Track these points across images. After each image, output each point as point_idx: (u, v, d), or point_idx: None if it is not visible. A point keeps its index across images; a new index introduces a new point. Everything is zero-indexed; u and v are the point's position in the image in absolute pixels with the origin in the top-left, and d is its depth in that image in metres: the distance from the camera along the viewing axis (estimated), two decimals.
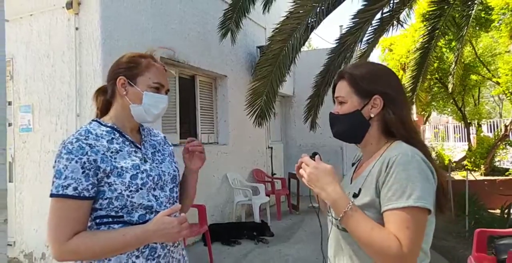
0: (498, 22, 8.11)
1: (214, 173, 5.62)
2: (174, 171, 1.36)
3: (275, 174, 7.72)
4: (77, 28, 3.77)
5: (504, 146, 8.79)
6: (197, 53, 5.23)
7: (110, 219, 1.17)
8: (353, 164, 1.34)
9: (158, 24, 4.48)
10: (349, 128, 1.19)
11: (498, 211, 6.04)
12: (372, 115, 1.16)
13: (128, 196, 1.17)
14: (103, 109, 1.33)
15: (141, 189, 1.20)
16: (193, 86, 5.63)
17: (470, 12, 6.07)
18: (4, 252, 1.82)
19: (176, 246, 1.31)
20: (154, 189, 1.24)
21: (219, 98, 6.15)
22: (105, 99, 1.33)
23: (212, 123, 6.07)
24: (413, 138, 1.13)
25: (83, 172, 1.12)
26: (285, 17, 4.36)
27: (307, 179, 1.10)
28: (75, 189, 1.11)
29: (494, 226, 4.16)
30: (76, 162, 1.12)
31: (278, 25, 4.44)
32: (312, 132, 6.04)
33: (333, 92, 1.25)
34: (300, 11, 4.32)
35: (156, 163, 1.31)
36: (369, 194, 1.08)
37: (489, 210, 5.87)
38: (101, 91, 1.34)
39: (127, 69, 1.27)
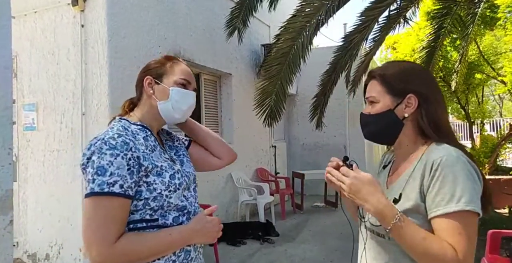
0: (503, 20, 8.06)
1: (218, 172, 5.56)
2: (194, 171, 1.35)
3: (278, 173, 7.68)
4: (82, 25, 3.71)
5: (507, 145, 8.76)
6: (202, 51, 5.17)
7: (144, 224, 1.11)
8: (384, 167, 1.28)
9: (164, 21, 4.42)
10: (382, 129, 1.14)
11: (502, 210, 6.02)
12: (406, 115, 1.10)
13: (167, 196, 1.13)
14: (131, 108, 1.30)
15: (178, 189, 1.17)
16: (198, 84, 5.58)
17: (476, 10, 6.01)
18: (9, 254, 1.77)
19: (202, 247, 1.29)
20: (184, 190, 1.23)
21: (223, 96, 6.10)
22: (132, 102, 1.31)
23: (216, 121, 6.02)
24: (450, 139, 1.08)
25: (128, 169, 1.06)
26: (293, 15, 4.30)
27: (348, 190, 1.02)
28: (121, 186, 1.05)
29: (502, 226, 4.12)
30: (122, 158, 1.06)
31: (286, 23, 4.37)
32: (315, 131, 5.99)
33: (364, 93, 1.20)
34: (307, 9, 4.26)
35: (181, 164, 1.30)
36: (412, 199, 1.03)
37: (495, 210, 5.83)
38: (131, 99, 1.33)
39: (153, 69, 1.26)
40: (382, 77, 1.13)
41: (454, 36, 7.61)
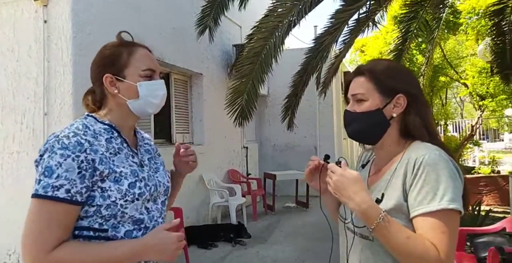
0: (465, 26, 8.39)
1: (189, 174, 5.45)
2: (168, 182, 1.23)
3: (250, 174, 7.64)
4: (45, 21, 3.52)
5: (469, 145, 9.13)
6: (172, 50, 5.06)
7: (91, 233, 1.01)
8: (362, 166, 1.26)
9: (132, 18, 4.29)
10: (367, 128, 1.11)
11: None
12: (394, 115, 1.08)
13: (121, 206, 1.02)
14: (98, 105, 1.17)
15: (137, 199, 1.05)
16: (168, 84, 5.45)
17: (441, 15, 6.24)
18: None
19: None
20: (148, 201, 1.10)
21: (194, 96, 6.00)
22: (95, 99, 1.16)
23: (187, 122, 5.91)
24: (435, 139, 1.08)
25: (79, 173, 0.96)
26: (265, 15, 4.29)
27: (333, 187, 1.01)
28: (67, 191, 0.95)
29: (466, 224, 4.26)
30: (73, 160, 0.96)
31: (258, 23, 4.35)
32: (286, 132, 5.99)
33: (346, 90, 1.17)
34: (280, 10, 4.26)
35: (152, 172, 1.18)
36: (395, 199, 1.01)
37: None
38: (89, 93, 1.19)
39: (110, 64, 1.11)
40: (372, 73, 1.09)
41: (420, 39, 7.87)
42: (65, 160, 0.96)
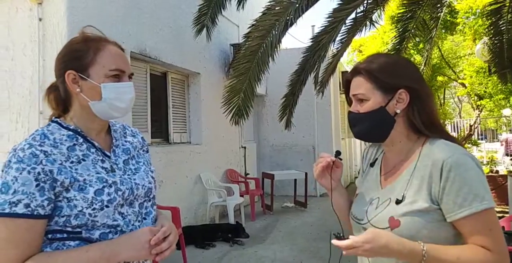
0: (462, 25, 8.40)
1: (187, 173, 5.44)
2: (150, 183, 1.14)
3: (248, 174, 7.62)
4: (40, 19, 3.49)
5: (468, 145, 9.12)
6: (169, 49, 5.04)
7: (65, 235, 0.97)
8: (371, 165, 1.23)
9: (128, 16, 4.26)
10: (373, 127, 1.09)
11: None
12: (398, 111, 1.06)
13: (90, 214, 0.96)
14: (63, 108, 1.08)
15: (107, 206, 0.99)
16: (165, 83, 5.43)
17: (439, 14, 6.24)
18: None
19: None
20: (122, 206, 1.03)
21: (191, 96, 5.98)
22: (60, 97, 1.08)
23: (184, 122, 5.88)
24: (443, 133, 1.07)
25: (37, 185, 0.91)
26: (262, 13, 4.27)
27: (366, 255, 0.98)
28: (27, 206, 0.90)
29: None
30: (29, 172, 0.91)
31: (255, 21, 4.33)
32: (284, 131, 5.97)
33: (346, 90, 1.15)
34: (277, 8, 4.24)
35: (129, 174, 1.09)
36: (421, 201, 1.00)
37: None
38: (52, 89, 1.09)
39: (75, 60, 1.02)
40: (369, 72, 1.07)
41: (418, 39, 7.87)
42: (20, 173, 0.91)
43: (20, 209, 0.90)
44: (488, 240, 0.94)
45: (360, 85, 1.09)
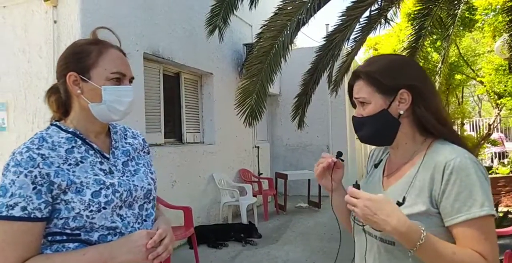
0: (481, 22, 8.19)
1: (199, 173, 5.46)
2: (149, 184, 1.14)
3: (261, 174, 7.61)
4: (55, 21, 3.56)
5: (486, 145, 8.90)
6: (182, 50, 5.06)
7: (65, 237, 0.99)
8: (375, 166, 1.21)
9: (141, 18, 4.30)
10: (378, 130, 1.06)
11: None
12: (401, 112, 1.04)
13: (87, 216, 0.97)
14: (63, 110, 1.10)
15: (104, 208, 0.99)
16: (178, 83, 5.47)
17: (456, 11, 6.10)
18: None
19: None
20: (121, 208, 1.04)
21: (204, 96, 6.00)
22: (60, 99, 1.09)
23: (197, 122, 5.91)
24: (452, 132, 1.04)
25: (34, 188, 0.93)
26: (274, 13, 4.25)
27: (362, 213, 0.93)
28: (23, 209, 0.92)
29: None
30: (26, 176, 0.92)
31: (267, 22, 4.32)
32: (298, 131, 5.94)
33: (350, 94, 1.13)
34: (290, 7, 4.21)
35: (128, 176, 1.10)
36: (421, 204, 0.97)
37: None
38: (53, 91, 1.10)
39: (77, 62, 1.04)
40: (369, 76, 1.05)
41: (435, 37, 7.70)
42: (18, 177, 0.93)
43: (17, 212, 0.92)
44: (484, 248, 0.91)
45: (360, 89, 1.07)
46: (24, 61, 3.73)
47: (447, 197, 0.94)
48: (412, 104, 1.03)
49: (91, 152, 1.06)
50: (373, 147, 1.27)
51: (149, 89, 4.60)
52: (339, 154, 1.12)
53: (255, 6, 5.01)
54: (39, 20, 3.64)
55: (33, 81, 3.70)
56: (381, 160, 1.20)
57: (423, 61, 8.61)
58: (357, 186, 0.99)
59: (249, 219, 5.57)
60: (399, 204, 0.99)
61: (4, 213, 0.91)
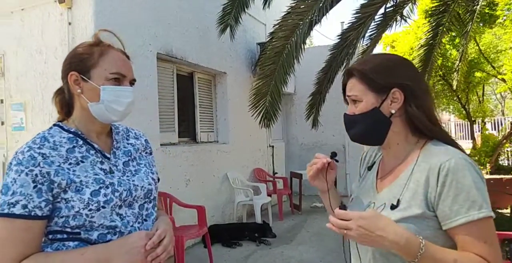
0: (502, 18, 7.96)
1: (214, 172, 5.48)
2: (150, 184, 1.15)
3: (276, 173, 7.58)
4: (70, 23, 3.63)
5: (509, 144, 8.65)
6: (196, 50, 5.09)
7: (65, 236, 1.00)
8: (369, 168, 1.19)
9: (154, 19, 4.34)
10: (368, 129, 1.05)
11: (505, 210, 5.90)
12: (393, 111, 1.02)
13: (87, 215, 0.99)
14: (66, 111, 1.12)
15: (103, 207, 1.00)
16: (192, 83, 5.50)
17: (475, 7, 5.94)
18: None
19: None
20: (120, 207, 1.05)
21: (218, 95, 6.01)
22: (64, 100, 1.12)
23: (211, 121, 5.93)
24: (443, 132, 1.02)
25: (34, 187, 0.95)
26: (286, 12, 4.22)
27: (358, 235, 0.88)
28: (24, 207, 0.94)
29: (503, 227, 4.01)
30: (27, 174, 0.95)
31: (279, 21, 4.29)
32: (314, 130, 5.90)
33: (344, 92, 1.12)
34: (302, 7, 4.18)
35: (128, 175, 1.11)
36: (416, 206, 0.94)
37: (497, 210, 5.72)
38: (59, 92, 1.14)
39: (79, 62, 1.06)
40: (361, 73, 1.04)
41: (453, 34, 7.52)
42: (19, 175, 0.95)
43: (17, 209, 0.93)
44: (485, 250, 0.89)
45: (353, 87, 1.06)
46: (41, 62, 3.82)
47: (444, 200, 0.92)
48: (404, 103, 1.01)
49: (92, 152, 1.08)
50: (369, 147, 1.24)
51: (163, 89, 4.64)
52: (333, 155, 1.10)
53: (268, 6, 5.00)
54: (54, 22, 3.72)
55: (50, 81, 3.78)
56: (374, 162, 1.18)
57: (441, 58, 8.42)
58: (343, 207, 0.96)
59: (264, 218, 5.55)
60: (394, 207, 0.97)
61: (6, 211, 0.93)
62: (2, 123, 4.05)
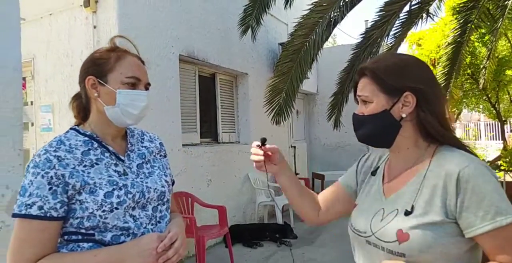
0: None
1: (235, 173, 5.51)
2: (163, 186, 1.17)
3: (298, 174, 7.54)
4: (95, 27, 3.73)
5: None
6: (217, 51, 5.12)
7: (80, 237, 1.03)
8: (372, 173, 1.15)
9: (177, 21, 4.40)
10: (377, 131, 1.02)
11: None
12: (403, 115, 0.99)
13: (100, 216, 1.01)
14: (83, 115, 1.17)
15: (116, 208, 1.03)
16: (213, 84, 5.54)
17: (506, 2, 5.72)
18: None
19: None
20: (134, 208, 1.07)
21: (240, 96, 6.03)
22: (82, 104, 1.16)
23: (233, 122, 5.96)
24: (455, 138, 0.99)
25: (50, 189, 0.98)
26: (308, 11, 4.19)
27: None
28: (40, 208, 0.97)
29: None
30: (42, 177, 0.98)
31: (300, 20, 4.27)
32: (336, 130, 5.84)
33: (355, 91, 1.09)
34: (324, 4, 4.14)
35: (141, 178, 1.13)
36: (433, 213, 0.92)
37: None
38: (77, 97, 1.18)
39: (96, 67, 1.11)
40: (374, 73, 1.01)
41: (483, 31, 7.25)
42: (35, 178, 0.98)
43: (34, 211, 0.97)
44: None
45: (364, 87, 1.03)
46: (67, 64, 3.94)
47: (468, 207, 0.88)
48: (416, 108, 0.98)
49: (107, 154, 1.11)
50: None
51: (185, 90, 4.69)
52: (263, 140, 1.17)
53: (289, 6, 4.98)
54: (80, 26, 3.83)
55: (75, 84, 3.83)
56: (378, 167, 1.15)
57: (469, 56, 8.15)
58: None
59: (285, 219, 5.53)
60: (408, 213, 0.94)
61: (23, 212, 0.97)
62: (32, 124, 4.20)
